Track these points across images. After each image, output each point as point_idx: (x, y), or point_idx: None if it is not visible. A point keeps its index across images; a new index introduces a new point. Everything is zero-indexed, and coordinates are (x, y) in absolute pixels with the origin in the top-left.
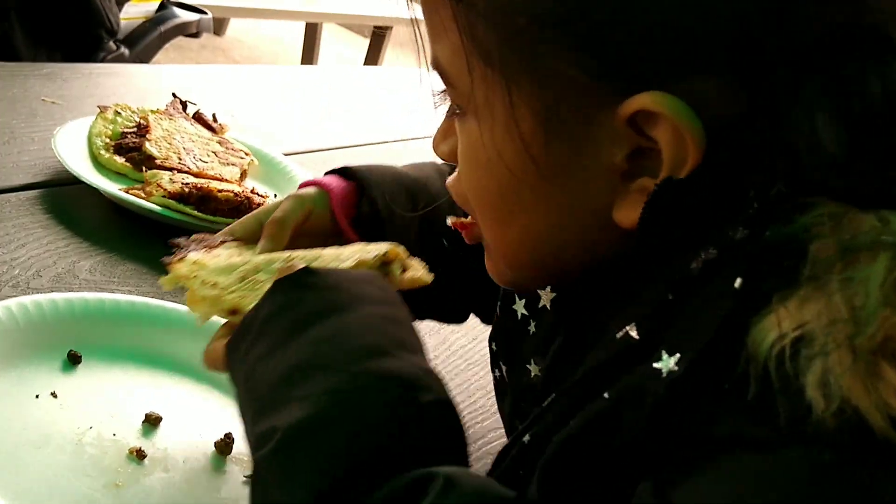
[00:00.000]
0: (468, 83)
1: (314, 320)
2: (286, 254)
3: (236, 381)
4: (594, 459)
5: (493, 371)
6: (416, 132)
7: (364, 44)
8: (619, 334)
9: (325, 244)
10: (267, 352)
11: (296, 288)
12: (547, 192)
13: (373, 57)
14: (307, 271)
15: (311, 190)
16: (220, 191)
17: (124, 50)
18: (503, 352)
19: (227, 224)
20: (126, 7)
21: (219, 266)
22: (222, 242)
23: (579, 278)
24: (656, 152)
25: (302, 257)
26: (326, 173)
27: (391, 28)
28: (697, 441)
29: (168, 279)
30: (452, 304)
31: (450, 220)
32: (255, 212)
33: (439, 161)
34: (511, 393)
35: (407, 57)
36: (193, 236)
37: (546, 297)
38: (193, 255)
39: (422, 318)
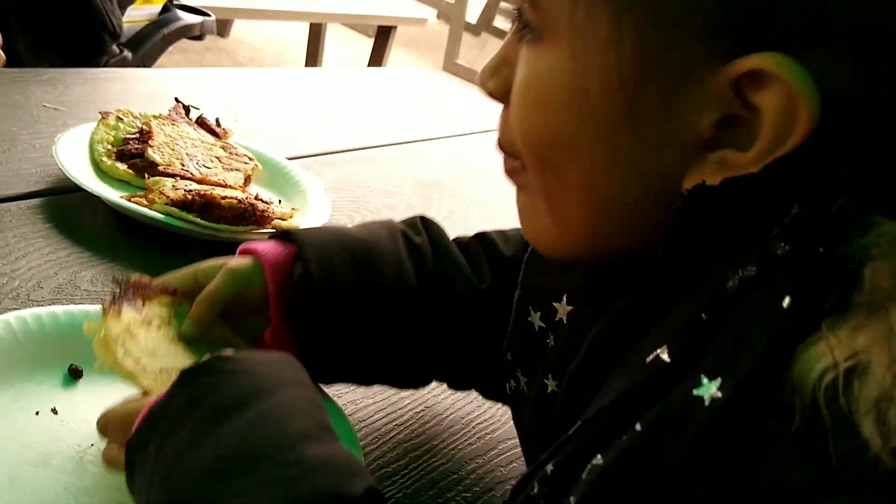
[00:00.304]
0: (566, 5)
1: (236, 407)
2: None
3: (145, 483)
4: (633, 494)
5: (507, 382)
6: (422, 133)
7: (368, 44)
8: (649, 358)
9: (264, 315)
10: (186, 445)
11: (211, 374)
12: (620, 142)
13: (377, 57)
14: (219, 358)
15: (245, 261)
16: (223, 198)
17: (127, 53)
18: (521, 363)
19: (232, 231)
20: (129, 10)
21: (147, 341)
22: (161, 292)
23: (604, 278)
24: (749, 124)
25: None
26: (270, 236)
27: (395, 28)
28: (739, 480)
29: (94, 329)
30: (414, 368)
31: (504, 166)
32: (194, 267)
33: (393, 220)
34: (530, 405)
35: (412, 57)
36: (133, 278)
37: (563, 310)
38: (128, 315)
39: (371, 384)
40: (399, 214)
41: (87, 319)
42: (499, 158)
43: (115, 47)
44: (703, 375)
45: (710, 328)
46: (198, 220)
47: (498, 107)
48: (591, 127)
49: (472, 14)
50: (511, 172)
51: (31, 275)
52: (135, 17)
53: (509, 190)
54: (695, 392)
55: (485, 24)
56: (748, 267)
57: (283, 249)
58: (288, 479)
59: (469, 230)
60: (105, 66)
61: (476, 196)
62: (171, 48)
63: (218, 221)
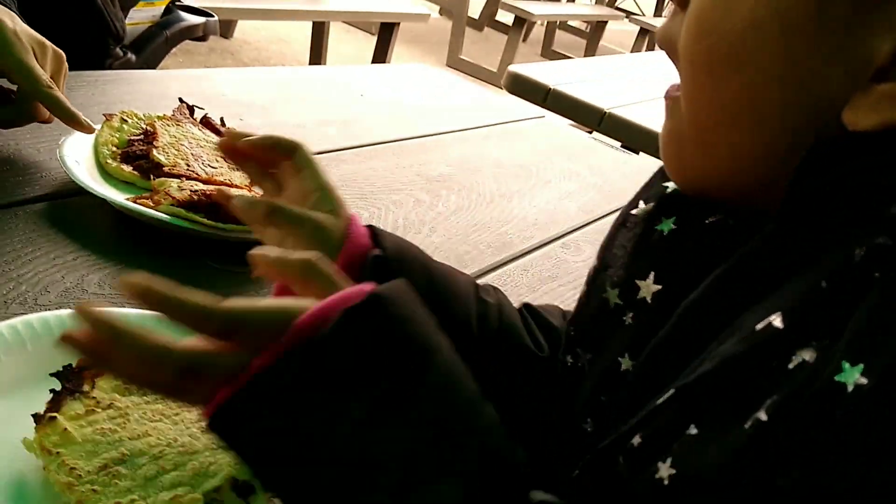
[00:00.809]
0: None
1: (416, 372)
2: (158, 447)
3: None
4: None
5: (563, 357)
6: (427, 129)
7: (372, 42)
8: (760, 326)
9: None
10: (366, 423)
11: (372, 320)
12: (794, 51)
13: (381, 55)
14: (377, 297)
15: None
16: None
17: (131, 56)
18: (586, 339)
19: (239, 230)
20: (131, 12)
21: (87, 439)
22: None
23: (697, 253)
24: None
25: (171, 459)
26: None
27: (398, 24)
28: (885, 471)
29: (29, 444)
30: None
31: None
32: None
33: None
34: (592, 382)
35: (415, 53)
36: (84, 357)
37: (648, 289)
38: (64, 418)
39: None
40: (406, 210)
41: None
42: (504, 153)
43: (118, 50)
44: (843, 361)
45: (831, 297)
46: (204, 220)
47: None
48: (770, 30)
49: (475, 9)
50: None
51: (37, 279)
52: (137, 20)
53: (517, 185)
54: (836, 378)
55: (487, 19)
56: (879, 237)
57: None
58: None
59: (477, 225)
60: (109, 69)
61: (484, 191)
62: (174, 50)
63: (225, 221)
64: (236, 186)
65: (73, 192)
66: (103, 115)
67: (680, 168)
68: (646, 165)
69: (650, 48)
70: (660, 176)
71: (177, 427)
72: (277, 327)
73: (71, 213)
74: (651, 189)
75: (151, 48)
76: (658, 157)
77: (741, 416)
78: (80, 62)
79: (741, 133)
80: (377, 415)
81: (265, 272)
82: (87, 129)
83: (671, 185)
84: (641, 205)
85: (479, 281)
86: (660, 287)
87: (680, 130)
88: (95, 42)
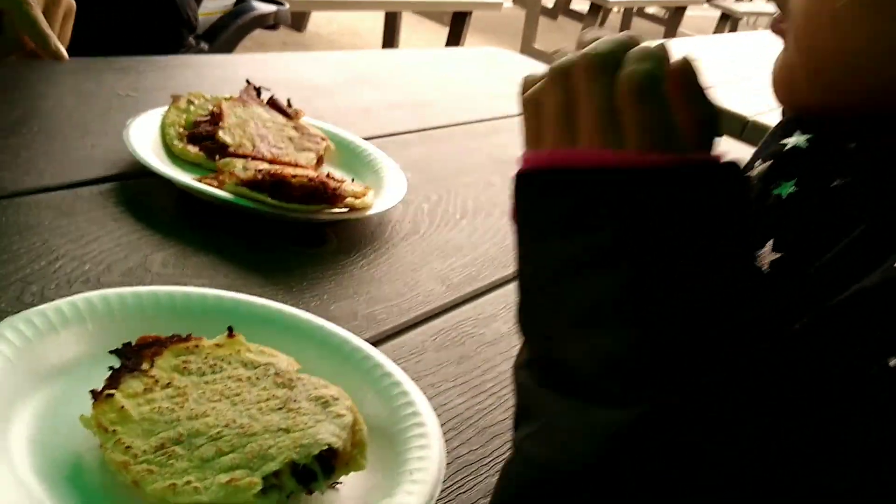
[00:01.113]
0: None
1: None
2: (216, 428)
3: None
4: None
5: None
6: (498, 111)
7: (444, 32)
8: None
9: None
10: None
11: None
12: None
13: (453, 44)
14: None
15: None
16: (294, 176)
17: (204, 45)
18: None
19: (303, 210)
20: (204, 2)
21: (144, 417)
22: (177, 341)
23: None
24: None
25: (229, 441)
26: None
27: (470, 13)
28: None
29: (87, 421)
30: None
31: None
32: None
33: None
34: None
35: (488, 43)
36: (139, 338)
37: (766, 257)
38: (122, 395)
39: None
40: (477, 193)
41: (154, 301)
42: None
43: (191, 39)
44: None
45: None
46: (269, 199)
47: None
48: None
49: None
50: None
51: (101, 258)
52: (210, 9)
53: None
54: None
55: (562, 7)
56: None
57: None
58: None
59: None
60: None
61: None
62: (247, 42)
63: (289, 201)
64: (301, 167)
65: (139, 173)
66: (171, 96)
67: (792, 100)
68: None
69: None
70: (778, 132)
71: (236, 408)
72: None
73: (136, 193)
74: (768, 147)
75: (224, 37)
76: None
77: None
78: (154, 51)
79: (850, 55)
80: (721, 251)
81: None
82: (60, 57)
83: (790, 142)
84: (759, 164)
85: None
86: (779, 255)
87: (791, 62)
88: (169, 32)
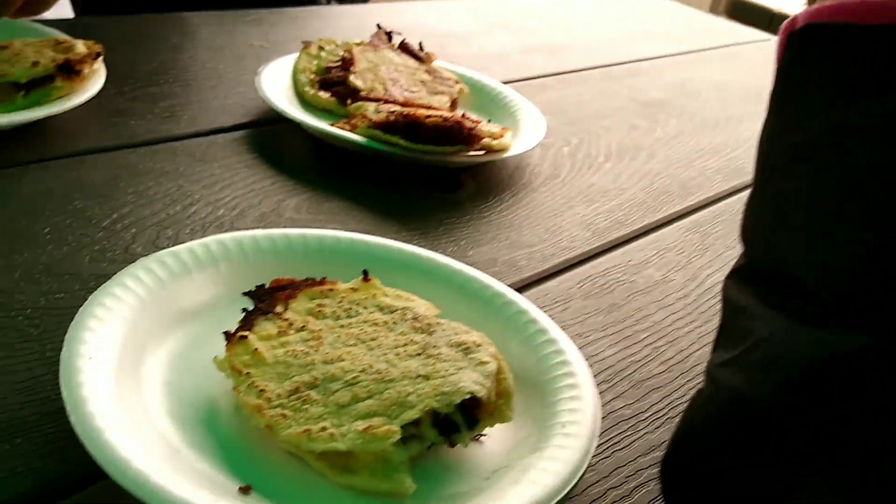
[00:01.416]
0: None
1: None
2: (352, 373)
3: None
4: None
5: None
6: (640, 53)
7: None
8: None
9: None
10: None
11: None
12: None
13: None
14: None
15: None
16: (427, 117)
17: (334, 2)
18: None
19: (438, 152)
20: None
21: (278, 361)
22: (311, 284)
23: None
24: None
25: (365, 386)
26: None
27: None
28: None
29: (220, 363)
30: None
31: None
32: None
33: None
34: None
35: None
36: (273, 281)
37: None
38: (256, 338)
39: None
40: (619, 136)
41: (287, 244)
42: (727, 76)
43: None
44: None
45: None
46: (402, 141)
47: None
48: None
49: None
50: None
51: (234, 203)
52: None
53: (745, 109)
54: None
55: None
56: None
57: None
58: None
59: (702, 151)
60: None
61: (707, 116)
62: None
63: (423, 142)
64: (435, 109)
65: (272, 120)
66: (301, 42)
67: None
68: None
69: None
70: None
71: (373, 353)
72: None
73: (269, 140)
74: None
75: None
76: None
77: None
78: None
79: None
80: None
81: None
82: None
83: None
84: None
85: (708, 210)
86: None
87: None
88: None
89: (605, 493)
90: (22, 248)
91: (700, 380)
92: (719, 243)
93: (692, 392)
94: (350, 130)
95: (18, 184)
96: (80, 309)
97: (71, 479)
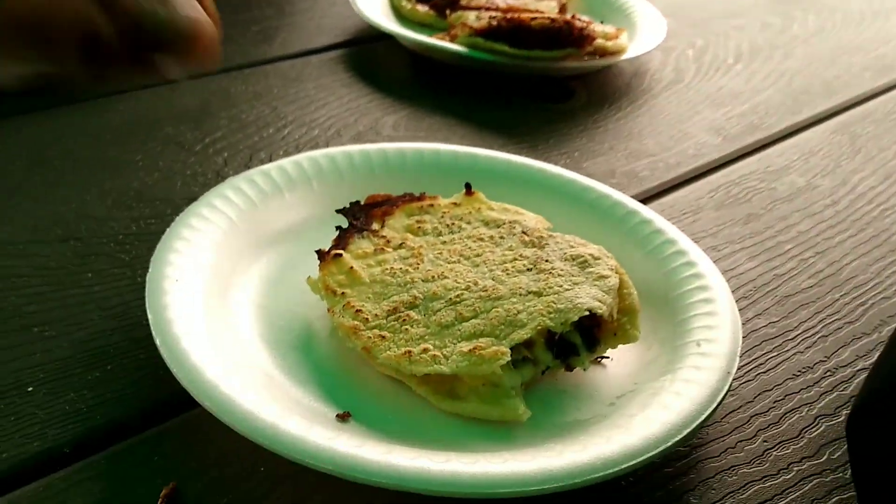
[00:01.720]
0: None
1: None
2: (455, 290)
3: None
4: None
5: None
6: None
7: None
8: None
9: None
10: None
11: None
12: None
13: None
14: None
15: None
16: (533, 19)
17: None
18: None
19: (545, 58)
20: None
21: (375, 280)
22: (409, 199)
23: None
24: None
25: (470, 305)
26: None
27: None
28: None
29: (313, 283)
30: None
31: None
32: None
33: None
34: None
35: None
36: (368, 197)
37: None
38: (351, 256)
39: None
40: (751, 36)
41: (384, 159)
42: None
43: None
44: None
45: None
46: (507, 48)
47: None
48: None
49: None
50: None
51: (330, 123)
52: None
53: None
54: None
55: None
56: None
57: None
58: None
59: (846, 48)
60: None
61: (850, 10)
62: None
63: (530, 48)
64: (541, 13)
65: (368, 38)
66: None
67: None
68: None
69: None
70: None
71: (478, 269)
72: None
73: (365, 58)
74: None
75: None
76: None
77: None
78: None
79: None
80: None
81: None
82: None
83: None
84: None
85: (857, 110)
86: None
87: None
88: None
89: (748, 420)
90: (114, 176)
91: (858, 294)
92: (871, 144)
93: (847, 309)
94: (450, 41)
95: (109, 114)
96: (167, 230)
97: (162, 406)
